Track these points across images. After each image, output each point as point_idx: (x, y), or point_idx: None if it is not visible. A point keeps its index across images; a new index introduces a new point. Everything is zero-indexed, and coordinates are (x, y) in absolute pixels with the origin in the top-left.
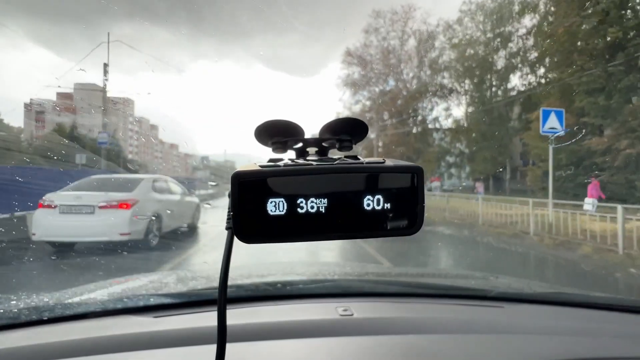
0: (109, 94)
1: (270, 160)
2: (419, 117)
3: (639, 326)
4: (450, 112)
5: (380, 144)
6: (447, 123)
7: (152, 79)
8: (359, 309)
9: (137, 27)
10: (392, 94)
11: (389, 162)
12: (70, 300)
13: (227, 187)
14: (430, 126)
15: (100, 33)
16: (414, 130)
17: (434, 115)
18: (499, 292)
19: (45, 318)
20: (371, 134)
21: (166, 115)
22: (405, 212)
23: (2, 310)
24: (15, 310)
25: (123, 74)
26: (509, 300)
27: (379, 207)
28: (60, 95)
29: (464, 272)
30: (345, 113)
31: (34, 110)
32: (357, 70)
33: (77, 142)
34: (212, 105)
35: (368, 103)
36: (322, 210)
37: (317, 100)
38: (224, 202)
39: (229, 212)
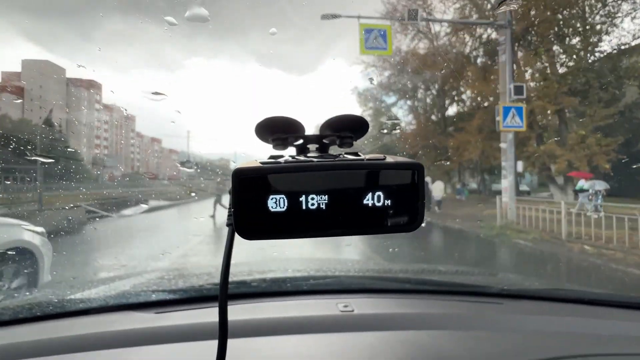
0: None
1: (271, 157)
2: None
3: (638, 322)
4: None
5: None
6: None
7: (145, 75)
8: (360, 305)
9: (130, 22)
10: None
11: (390, 159)
12: (72, 296)
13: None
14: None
15: (92, 28)
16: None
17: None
18: (499, 288)
19: (47, 313)
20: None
21: (146, 108)
22: (406, 209)
23: (5, 306)
24: (19, 305)
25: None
26: (509, 297)
27: (380, 204)
28: (5, 74)
29: (464, 269)
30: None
31: None
32: None
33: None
34: (205, 101)
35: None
36: (323, 206)
37: (316, 97)
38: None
39: (229, 208)
